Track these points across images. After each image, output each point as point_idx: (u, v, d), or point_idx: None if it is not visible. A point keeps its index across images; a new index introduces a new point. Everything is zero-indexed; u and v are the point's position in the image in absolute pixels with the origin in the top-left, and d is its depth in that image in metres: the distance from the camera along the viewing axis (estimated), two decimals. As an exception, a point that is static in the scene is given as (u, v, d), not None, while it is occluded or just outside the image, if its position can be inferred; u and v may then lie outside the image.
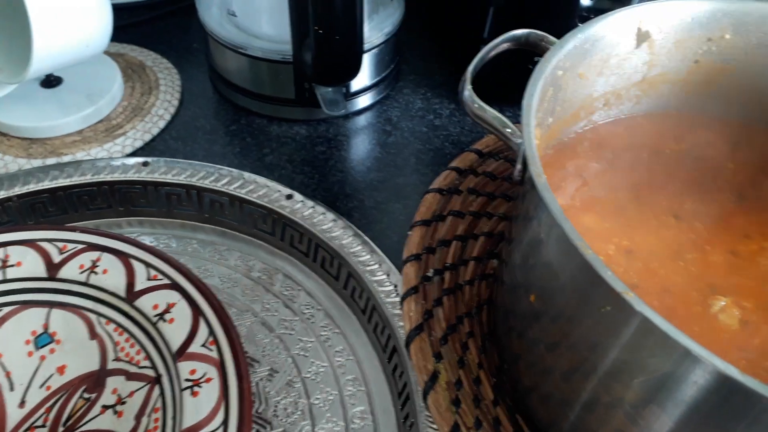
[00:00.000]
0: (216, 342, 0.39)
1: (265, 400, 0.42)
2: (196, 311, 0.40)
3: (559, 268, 0.29)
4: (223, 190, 0.51)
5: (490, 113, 0.36)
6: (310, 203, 0.49)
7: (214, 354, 0.38)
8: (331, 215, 0.49)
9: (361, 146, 0.62)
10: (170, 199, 0.52)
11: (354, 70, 0.53)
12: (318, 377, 0.44)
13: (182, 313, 0.40)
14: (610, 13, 0.40)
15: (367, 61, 0.62)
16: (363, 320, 0.46)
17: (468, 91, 0.37)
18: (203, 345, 0.39)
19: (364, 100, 0.66)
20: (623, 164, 0.43)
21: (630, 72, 0.44)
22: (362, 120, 0.65)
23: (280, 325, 0.47)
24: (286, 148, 0.61)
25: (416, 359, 0.37)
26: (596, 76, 0.42)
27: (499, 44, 0.39)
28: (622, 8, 0.40)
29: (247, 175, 0.52)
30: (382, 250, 0.49)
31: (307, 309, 0.47)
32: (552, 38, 0.40)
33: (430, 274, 0.42)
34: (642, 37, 0.42)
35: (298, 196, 0.50)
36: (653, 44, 0.43)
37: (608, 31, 0.40)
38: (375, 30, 0.62)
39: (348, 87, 0.62)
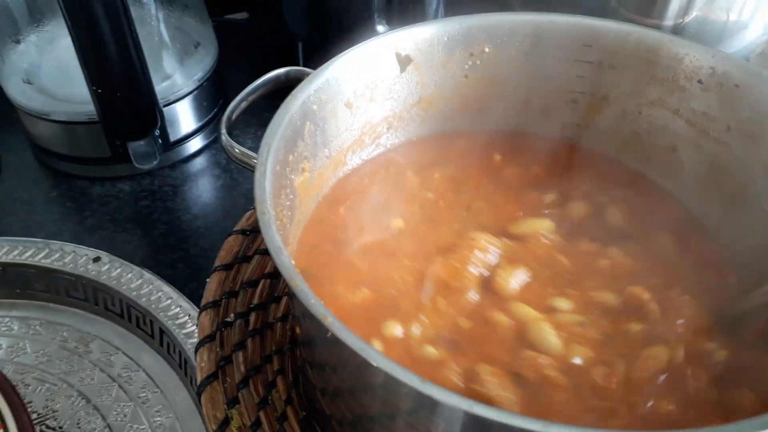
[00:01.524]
0: (4, 425, 0.37)
1: (78, 476, 0.41)
2: (-16, 397, 0.39)
3: (297, 301, 0.30)
4: (27, 262, 0.49)
5: (246, 154, 0.37)
6: (117, 263, 0.49)
7: (1, 439, 0.37)
8: (140, 272, 0.48)
9: (187, 194, 0.62)
10: (-27, 280, 0.50)
11: (150, 123, 0.53)
12: (135, 441, 0.43)
13: (-32, 401, 0.38)
14: (362, 43, 0.41)
15: (184, 108, 0.62)
16: (181, 374, 0.45)
17: (224, 137, 0.37)
18: (-10, 432, 0.37)
19: (190, 147, 0.65)
20: (399, 185, 0.44)
21: (405, 95, 0.45)
22: (190, 167, 0.65)
23: (97, 393, 0.45)
24: (107, 208, 0.60)
25: (206, 409, 0.36)
26: (368, 102, 0.43)
27: (257, 88, 0.40)
28: (373, 38, 0.41)
29: (53, 243, 0.50)
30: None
31: (126, 372, 0.46)
32: (311, 71, 0.41)
33: (230, 319, 0.42)
34: (404, 61, 0.43)
35: (105, 258, 0.49)
36: (419, 66, 0.44)
37: (364, 61, 0.41)
38: (185, 78, 0.62)
39: (166, 137, 0.61)
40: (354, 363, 0.28)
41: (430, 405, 0.26)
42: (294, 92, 0.37)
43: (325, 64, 0.39)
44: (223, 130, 0.37)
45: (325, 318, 0.25)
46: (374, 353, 0.24)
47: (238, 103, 0.39)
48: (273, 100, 0.42)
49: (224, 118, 0.38)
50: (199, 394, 0.37)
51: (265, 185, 0.31)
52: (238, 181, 0.63)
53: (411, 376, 0.23)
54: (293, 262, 0.28)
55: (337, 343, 0.26)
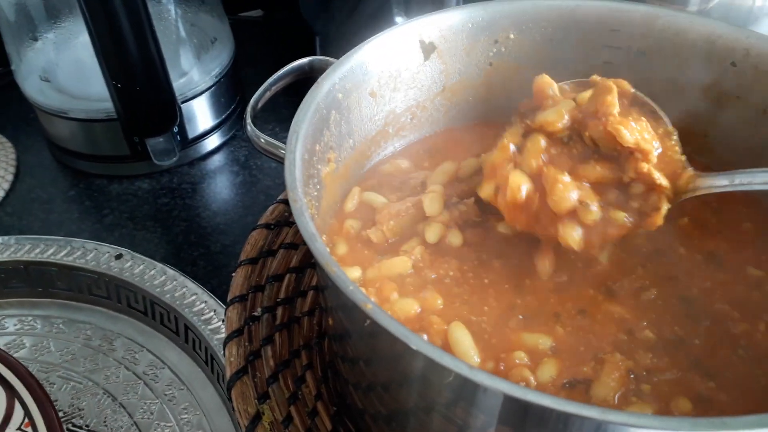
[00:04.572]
0: (32, 422, 0.37)
1: (106, 473, 0.41)
2: (11, 394, 0.38)
3: (331, 291, 0.29)
4: (49, 260, 0.49)
5: (273, 144, 0.36)
6: (140, 260, 0.48)
7: (29, 436, 0.36)
8: (163, 269, 0.48)
9: (207, 192, 0.61)
10: (-3, 279, 0.50)
11: (170, 118, 0.53)
12: (163, 439, 0.42)
13: (-4, 399, 0.38)
14: (384, 31, 0.40)
15: (201, 105, 0.62)
16: (207, 371, 0.45)
17: (250, 127, 0.37)
18: (18, 428, 0.37)
19: (209, 144, 0.65)
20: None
21: (428, 83, 0.44)
22: (209, 164, 0.65)
23: (123, 391, 0.45)
24: (126, 206, 0.59)
25: (237, 404, 0.36)
26: (392, 92, 0.43)
27: (281, 78, 0.39)
28: (396, 25, 0.41)
29: (74, 241, 0.50)
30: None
31: (151, 370, 0.46)
32: (335, 61, 0.40)
33: (257, 313, 0.41)
34: (428, 49, 0.43)
35: (127, 255, 0.48)
36: (442, 54, 0.43)
37: (387, 49, 0.40)
38: (202, 74, 0.61)
39: (184, 134, 0.61)
40: (394, 353, 0.27)
41: (473, 393, 0.25)
42: (319, 80, 0.37)
43: (350, 51, 0.39)
44: (248, 120, 0.37)
45: (365, 305, 0.24)
46: (420, 341, 0.23)
47: (262, 92, 0.38)
48: (291, 96, 0.41)
49: (249, 108, 0.37)
50: (229, 389, 0.36)
51: (295, 173, 0.31)
52: (257, 178, 0.63)
53: (459, 363, 0.22)
54: (328, 249, 0.27)
55: (376, 331, 0.25)
